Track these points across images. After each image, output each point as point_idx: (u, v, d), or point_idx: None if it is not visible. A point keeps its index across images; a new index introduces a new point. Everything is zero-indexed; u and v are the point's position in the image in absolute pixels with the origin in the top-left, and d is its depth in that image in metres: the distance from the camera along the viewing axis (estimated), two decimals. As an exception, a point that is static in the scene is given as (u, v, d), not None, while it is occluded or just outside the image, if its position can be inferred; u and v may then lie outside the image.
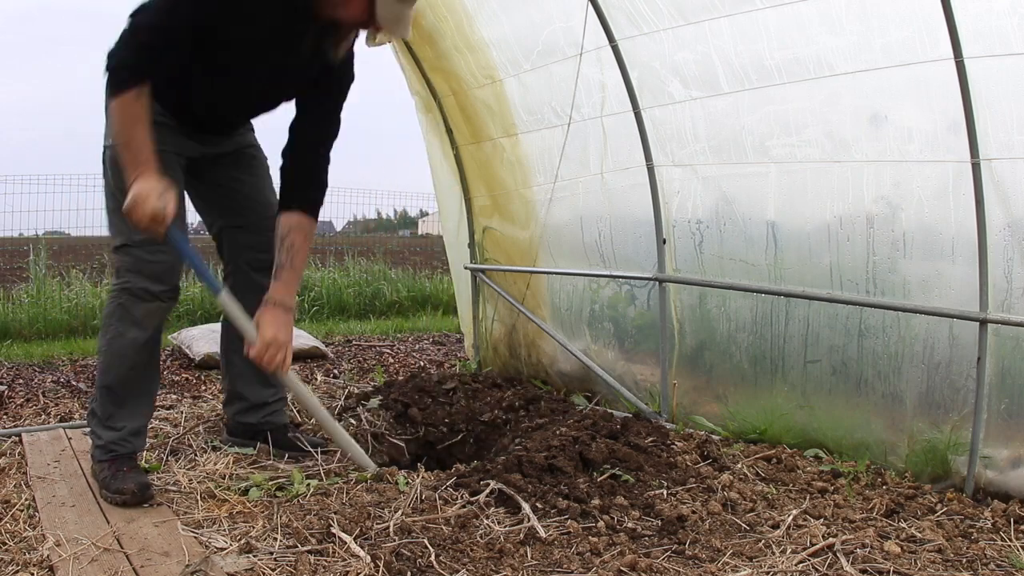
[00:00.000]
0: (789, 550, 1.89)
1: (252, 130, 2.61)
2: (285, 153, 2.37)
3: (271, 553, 1.81)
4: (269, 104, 2.42)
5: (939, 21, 2.13)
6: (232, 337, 2.56)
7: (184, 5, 2.05)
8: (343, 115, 2.43)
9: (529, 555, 1.84)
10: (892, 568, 1.80)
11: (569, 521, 2.01)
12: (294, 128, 2.37)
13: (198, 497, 2.19)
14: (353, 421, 2.99)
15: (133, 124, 2.03)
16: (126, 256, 2.24)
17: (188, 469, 2.42)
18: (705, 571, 1.79)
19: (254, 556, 1.79)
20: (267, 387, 2.66)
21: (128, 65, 2.02)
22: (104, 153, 2.29)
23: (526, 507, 2.04)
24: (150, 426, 2.93)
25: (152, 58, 2.04)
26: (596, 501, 2.12)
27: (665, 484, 2.29)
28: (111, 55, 2.01)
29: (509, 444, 2.81)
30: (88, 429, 2.39)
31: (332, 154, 2.42)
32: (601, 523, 2.01)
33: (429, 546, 1.83)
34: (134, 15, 2.03)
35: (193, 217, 2.74)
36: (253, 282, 2.48)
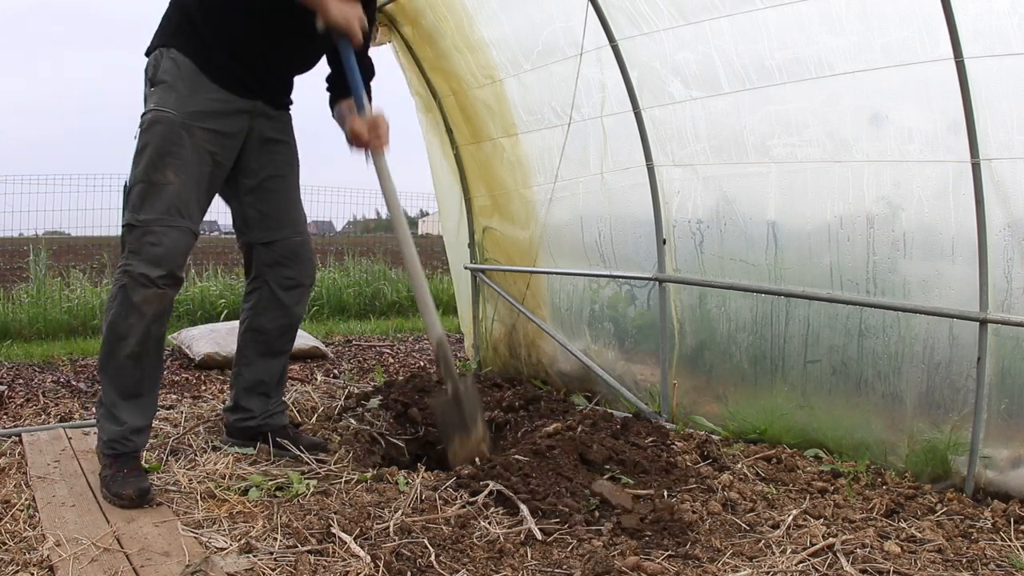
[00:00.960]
0: (789, 550, 1.89)
1: (291, 121, 2.63)
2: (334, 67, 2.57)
3: (271, 553, 1.81)
4: (320, 50, 2.48)
5: (939, 21, 2.13)
6: (244, 350, 2.63)
7: None
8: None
9: (529, 555, 1.84)
10: (892, 568, 1.80)
11: (569, 521, 2.01)
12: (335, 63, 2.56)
13: (198, 497, 2.18)
14: (353, 421, 2.99)
15: None
16: (129, 235, 2.23)
17: (188, 469, 2.42)
18: (705, 571, 1.79)
19: (254, 556, 1.79)
20: (270, 398, 2.67)
21: None
22: (145, 116, 2.26)
23: (524, 509, 2.04)
24: (150, 426, 2.94)
25: None
26: (596, 501, 2.12)
27: (665, 484, 2.28)
28: None
29: (509, 444, 2.81)
30: (95, 421, 2.38)
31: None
32: (601, 523, 2.02)
33: (429, 546, 1.83)
34: None
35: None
36: (278, 300, 2.57)
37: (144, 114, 2.26)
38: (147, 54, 2.33)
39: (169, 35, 2.30)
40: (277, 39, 2.37)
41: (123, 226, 2.28)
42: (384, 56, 3.89)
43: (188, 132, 2.24)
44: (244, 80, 2.36)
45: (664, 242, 3.18)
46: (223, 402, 3.08)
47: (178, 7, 2.33)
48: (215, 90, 2.29)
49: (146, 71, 2.31)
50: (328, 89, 2.63)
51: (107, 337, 2.26)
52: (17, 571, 1.72)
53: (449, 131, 3.99)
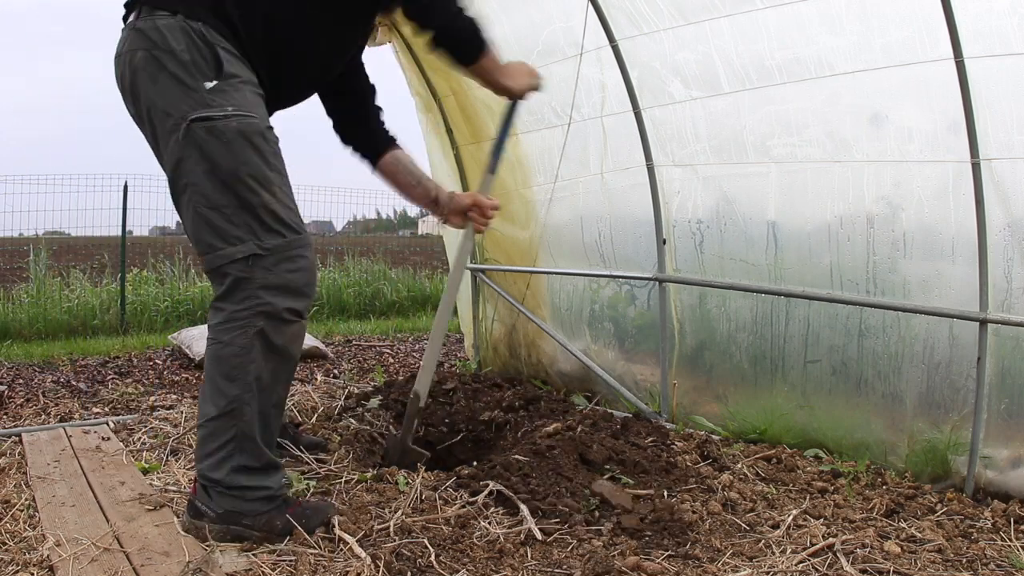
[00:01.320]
0: (789, 550, 1.89)
1: None
2: (347, 118, 2.41)
3: (271, 553, 1.81)
4: (339, 65, 2.22)
5: (939, 21, 2.13)
6: None
7: None
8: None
9: (529, 555, 1.84)
10: (892, 568, 1.80)
11: (569, 521, 2.01)
12: (351, 93, 2.38)
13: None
14: (354, 421, 2.98)
15: None
16: (257, 269, 1.82)
17: (188, 469, 2.42)
18: (705, 571, 1.79)
19: (254, 555, 1.79)
20: None
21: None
22: (228, 120, 1.80)
23: (524, 509, 2.04)
24: (150, 426, 2.94)
25: None
26: (596, 501, 2.12)
27: (665, 484, 2.28)
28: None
29: (509, 444, 2.81)
30: (219, 490, 1.87)
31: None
32: (601, 523, 2.02)
33: (429, 546, 1.83)
34: None
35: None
36: None
37: (225, 119, 1.81)
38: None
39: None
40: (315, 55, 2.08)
41: (236, 260, 1.82)
42: (384, 56, 3.90)
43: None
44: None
45: (664, 242, 3.18)
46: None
47: None
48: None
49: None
50: (361, 138, 2.42)
51: (248, 393, 1.83)
52: (17, 571, 1.72)
53: (449, 131, 3.99)
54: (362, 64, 2.40)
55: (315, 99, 2.46)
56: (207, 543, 1.85)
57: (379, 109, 2.43)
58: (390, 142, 2.42)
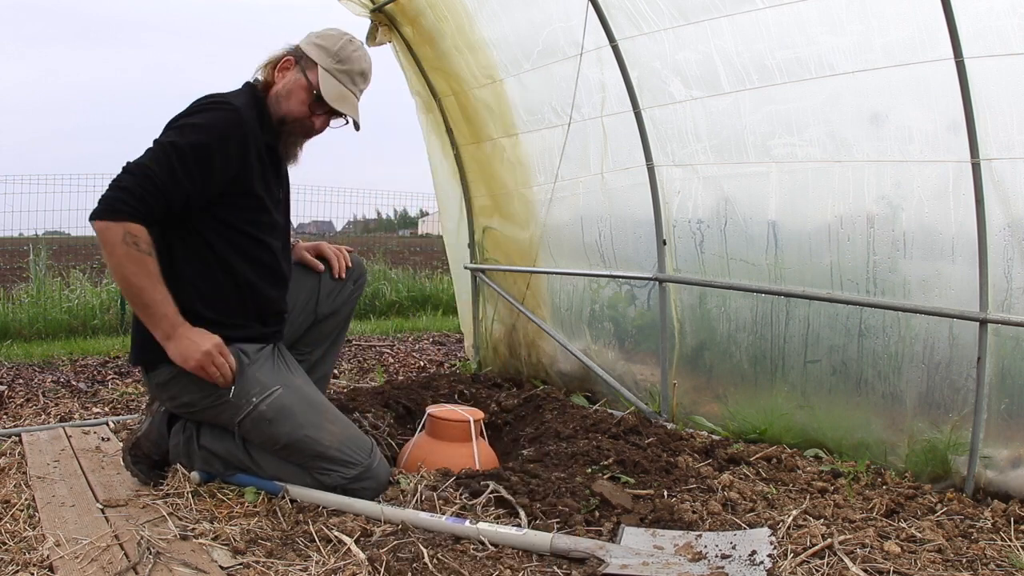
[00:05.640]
0: (789, 550, 1.89)
1: None
2: None
3: (270, 553, 1.81)
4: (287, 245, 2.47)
5: (939, 21, 2.13)
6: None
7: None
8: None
9: (530, 556, 1.84)
10: (892, 568, 1.80)
11: (569, 521, 2.00)
12: None
13: (198, 497, 2.18)
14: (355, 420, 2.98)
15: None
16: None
17: (188, 469, 2.42)
18: (705, 571, 1.79)
19: (253, 556, 1.80)
20: None
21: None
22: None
23: (522, 513, 2.04)
24: (150, 426, 2.93)
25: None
26: (596, 501, 2.12)
27: (665, 484, 2.28)
28: None
29: (509, 444, 2.81)
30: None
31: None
32: (601, 523, 2.02)
33: (428, 546, 1.83)
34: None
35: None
36: None
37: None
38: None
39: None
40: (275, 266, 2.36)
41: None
42: (384, 56, 3.90)
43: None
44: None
45: (664, 243, 3.18)
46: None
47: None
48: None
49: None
50: None
51: None
52: (17, 571, 1.72)
53: (449, 131, 3.99)
54: None
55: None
56: (204, 544, 1.85)
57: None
58: None
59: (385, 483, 2.23)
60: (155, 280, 2.05)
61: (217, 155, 2.10)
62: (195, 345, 2.08)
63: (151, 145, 2.10)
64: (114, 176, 2.07)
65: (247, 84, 2.34)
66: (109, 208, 2.01)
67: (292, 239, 2.54)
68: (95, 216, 2.03)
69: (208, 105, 2.16)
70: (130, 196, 2.02)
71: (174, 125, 2.12)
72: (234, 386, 2.15)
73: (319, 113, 2.31)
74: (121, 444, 2.71)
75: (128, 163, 2.07)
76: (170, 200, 2.07)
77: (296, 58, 2.29)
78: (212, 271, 2.21)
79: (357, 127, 2.37)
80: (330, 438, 2.18)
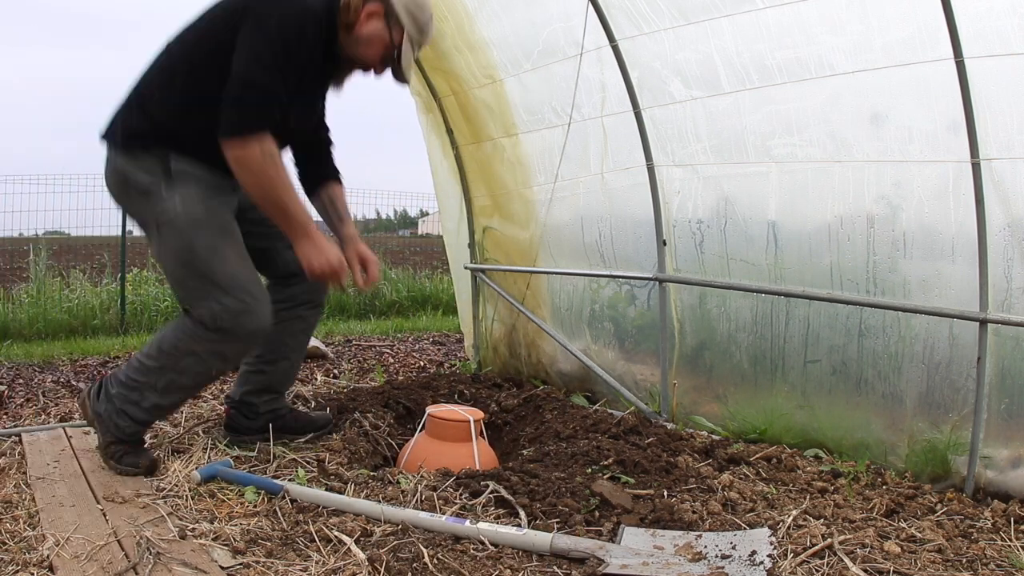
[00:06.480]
0: (789, 550, 1.89)
1: None
2: (303, 155, 2.62)
3: (270, 553, 1.81)
4: (300, 134, 2.52)
5: (939, 21, 2.13)
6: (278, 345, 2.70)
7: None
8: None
9: (530, 556, 1.84)
10: (892, 568, 1.80)
11: (569, 521, 2.00)
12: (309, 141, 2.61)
13: (198, 497, 2.19)
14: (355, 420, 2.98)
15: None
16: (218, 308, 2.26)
17: (188, 469, 2.42)
18: (705, 571, 1.79)
19: (253, 556, 1.80)
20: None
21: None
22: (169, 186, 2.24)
23: (522, 513, 2.04)
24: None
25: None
26: (596, 501, 2.12)
27: (665, 484, 2.28)
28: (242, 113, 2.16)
29: (509, 444, 2.81)
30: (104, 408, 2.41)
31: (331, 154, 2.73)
32: (601, 523, 2.02)
33: (428, 546, 1.83)
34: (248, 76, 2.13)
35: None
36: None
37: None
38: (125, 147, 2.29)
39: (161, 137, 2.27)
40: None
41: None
42: (384, 56, 3.89)
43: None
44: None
45: (664, 243, 3.18)
46: (222, 403, 3.08)
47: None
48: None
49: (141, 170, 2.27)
50: (303, 181, 2.65)
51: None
52: (17, 571, 1.72)
53: (449, 131, 3.99)
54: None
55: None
56: (204, 544, 1.85)
57: (330, 144, 2.68)
58: (335, 174, 2.65)
59: (263, 330, 2.30)
60: (291, 190, 2.24)
61: (303, 51, 2.20)
62: (327, 249, 2.29)
63: (246, 50, 2.14)
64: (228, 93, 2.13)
65: None
66: (240, 126, 2.14)
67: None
68: (226, 135, 2.14)
69: (291, 4, 2.19)
70: (256, 111, 2.14)
71: (263, 25, 2.15)
72: (169, 188, 2.24)
73: (384, 67, 2.38)
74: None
75: (238, 75, 2.13)
76: (281, 99, 2.18)
77: (385, 9, 2.32)
78: (203, 105, 2.21)
79: (406, 82, 2.46)
80: (226, 265, 2.26)
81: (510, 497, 2.12)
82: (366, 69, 2.43)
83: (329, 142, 2.69)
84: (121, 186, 2.33)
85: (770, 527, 2.04)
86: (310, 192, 2.64)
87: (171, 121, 2.26)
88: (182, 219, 2.24)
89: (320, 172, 2.63)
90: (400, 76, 2.41)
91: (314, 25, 2.22)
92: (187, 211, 2.24)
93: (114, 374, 2.45)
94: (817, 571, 1.79)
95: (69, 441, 2.77)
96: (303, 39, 2.20)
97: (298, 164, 2.63)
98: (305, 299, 2.70)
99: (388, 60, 2.36)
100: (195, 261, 2.25)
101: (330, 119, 2.69)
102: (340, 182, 2.66)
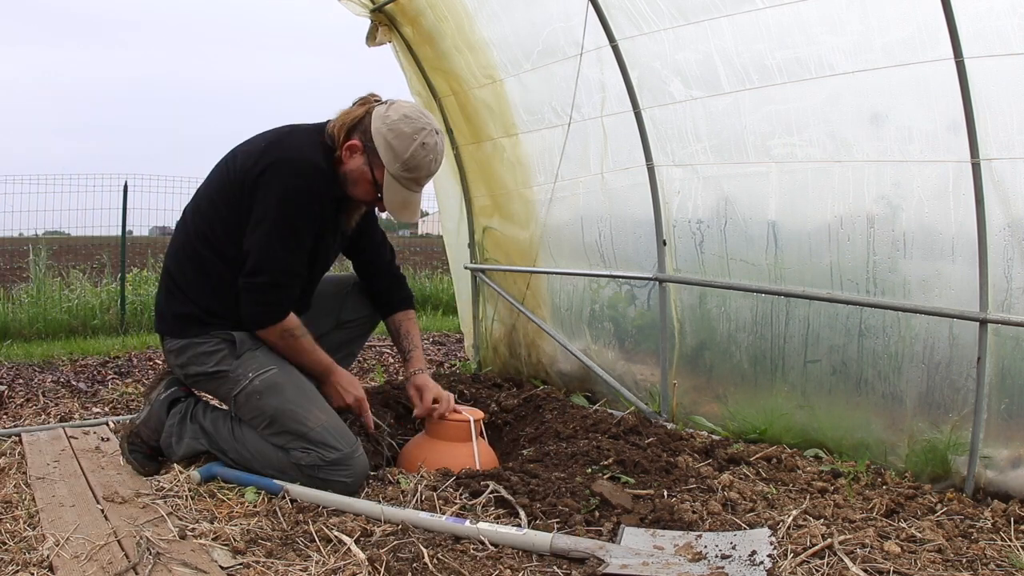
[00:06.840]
0: (789, 550, 1.89)
1: None
2: (367, 278, 2.77)
3: (270, 553, 1.81)
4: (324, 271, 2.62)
5: (939, 21, 2.13)
6: None
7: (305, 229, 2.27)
8: None
9: (530, 556, 1.84)
10: (892, 568, 1.80)
11: (569, 521, 2.00)
12: (364, 261, 2.76)
13: (197, 497, 2.19)
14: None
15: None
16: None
17: (187, 469, 2.42)
18: (705, 571, 1.79)
19: (253, 556, 1.80)
20: None
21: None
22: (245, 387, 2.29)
23: (522, 513, 2.04)
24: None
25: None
26: (596, 501, 2.12)
27: (665, 484, 2.28)
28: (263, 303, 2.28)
29: (508, 445, 2.81)
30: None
31: None
32: (601, 523, 2.01)
33: (428, 546, 1.83)
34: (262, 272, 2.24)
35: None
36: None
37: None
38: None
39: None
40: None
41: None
42: (384, 56, 3.90)
43: None
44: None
45: (664, 243, 3.18)
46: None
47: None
48: None
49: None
50: (375, 292, 2.78)
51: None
52: (17, 571, 1.72)
53: (449, 131, 3.99)
54: (370, 229, 2.70)
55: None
56: (204, 544, 1.85)
57: (391, 258, 2.78)
58: (400, 304, 2.74)
59: (362, 477, 2.27)
60: (311, 351, 2.36)
61: (315, 221, 2.29)
62: (345, 392, 2.43)
63: (261, 226, 2.22)
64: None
65: (321, 138, 2.33)
66: (262, 317, 2.28)
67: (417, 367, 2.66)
68: (249, 325, 2.30)
69: (296, 170, 2.23)
70: (276, 307, 2.28)
71: (272, 197, 2.21)
72: (236, 362, 2.30)
73: (383, 201, 2.37)
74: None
75: (255, 264, 2.23)
76: (301, 273, 2.32)
77: (364, 145, 2.29)
78: (233, 277, 2.30)
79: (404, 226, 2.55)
80: (315, 420, 2.25)
81: (510, 497, 2.12)
82: (369, 206, 2.46)
83: (389, 261, 2.76)
84: (190, 370, 2.36)
85: (770, 527, 2.03)
86: (384, 316, 2.76)
87: (215, 304, 2.33)
88: (259, 387, 2.27)
89: (389, 300, 2.74)
90: (398, 217, 2.42)
91: (323, 184, 2.26)
92: (262, 379, 2.27)
93: (210, 408, 2.43)
94: (817, 571, 1.79)
95: (69, 441, 2.77)
96: (311, 208, 2.25)
97: (371, 288, 2.76)
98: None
99: (381, 197, 2.35)
100: (282, 419, 2.25)
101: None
102: (409, 309, 2.75)
